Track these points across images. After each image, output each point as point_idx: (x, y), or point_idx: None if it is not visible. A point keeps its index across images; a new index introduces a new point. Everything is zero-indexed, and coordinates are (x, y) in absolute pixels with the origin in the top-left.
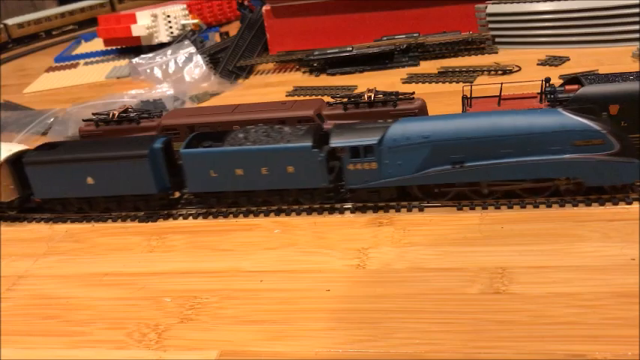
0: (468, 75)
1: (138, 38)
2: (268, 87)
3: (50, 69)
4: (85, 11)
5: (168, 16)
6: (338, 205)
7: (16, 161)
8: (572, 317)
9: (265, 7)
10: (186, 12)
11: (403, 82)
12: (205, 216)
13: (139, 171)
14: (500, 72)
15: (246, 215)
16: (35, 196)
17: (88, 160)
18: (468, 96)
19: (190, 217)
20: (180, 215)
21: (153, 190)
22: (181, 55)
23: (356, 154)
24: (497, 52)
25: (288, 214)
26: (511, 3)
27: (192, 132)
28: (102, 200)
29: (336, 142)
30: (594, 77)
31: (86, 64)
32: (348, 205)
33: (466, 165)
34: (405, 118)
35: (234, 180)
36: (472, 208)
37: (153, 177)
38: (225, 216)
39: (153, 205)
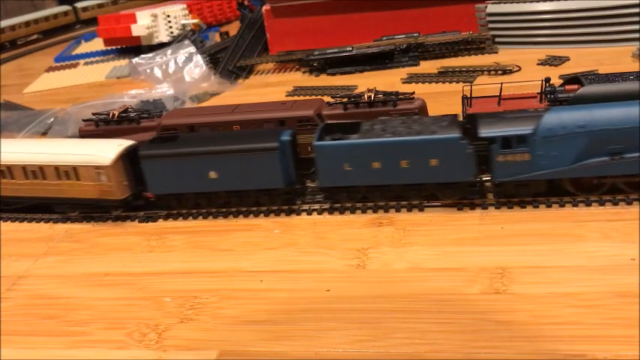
0: (468, 75)
1: (138, 38)
2: (268, 87)
3: (50, 69)
4: (50, 20)
5: (168, 16)
6: (338, 205)
7: (128, 156)
8: (572, 317)
9: (265, 7)
10: (186, 12)
11: (403, 82)
12: (205, 216)
13: (267, 164)
14: (500, 72)
15: (246, 215)
16: (150, 192)
17: (212, 154)
18: (468, 96)
19: (190, 217)
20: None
21: (280, 184)
22: (181, 55)
23: (507, 145)
24: (497, 52)
25: (288, 214)
26: (511, 3)
27: (192, 132)
28: (223, 195)
29: (486, 131)
30: (594, 77)
31: (86, 64)
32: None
33: (626, 156)
34: (558, 106)
35: (370, 174)
36: (472, 208)
37: (281, 171)
38: (225, 216)
39: (277, 200)
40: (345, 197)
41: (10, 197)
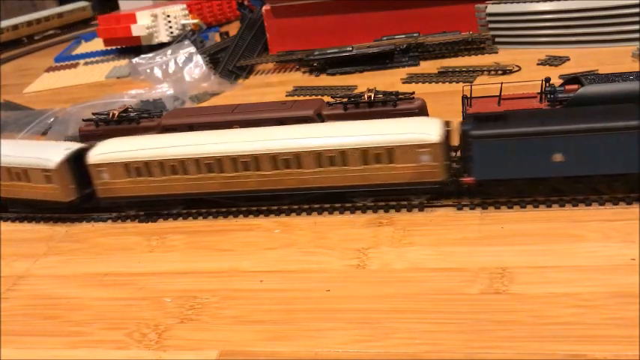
0: (468, 75)
1: (138, 38)
2: (268, 87)
3: (50, 69)
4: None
5: (168, 16)
6: (338, 205)
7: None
8: (572, 317)
9: (265, 7)
10: (186, 12)
11: (403, 82)
12: (205, 216)
13: (626, 145)
14: (500, 72)
15: (246, 215)
16: (473, 177)
17: (563, 134)
18: (468, 96)
19: (190, 217)
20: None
21: (636, 168)
22: (181, 55)
23: None
24: (497, 52)
25: (288, 214)
26: (511, 3)
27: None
28: (563, 181)
29: None
30: (594, 77)
31: (86, 64)
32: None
33: None
34: None
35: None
36: (472, 208)
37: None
38: (225, 216)
39: (633, 187)
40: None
41: None
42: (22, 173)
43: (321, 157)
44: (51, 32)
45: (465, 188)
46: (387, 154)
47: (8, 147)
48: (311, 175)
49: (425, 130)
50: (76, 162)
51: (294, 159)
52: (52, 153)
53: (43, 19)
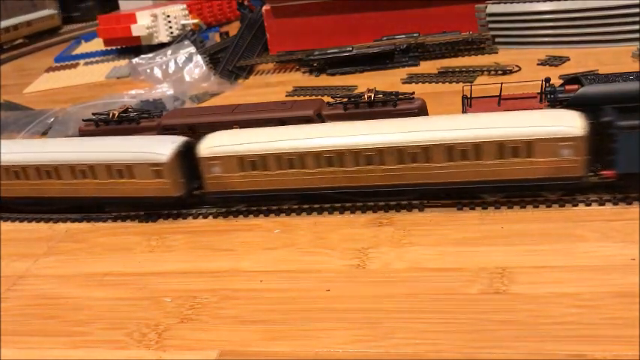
0: (468, 75)
1: (138, 38)
2: (268, 87)
3: (50, 69)
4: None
5: (168, 16)
6: (338, 205)
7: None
8: (572, 317)
9: (265, 7)
10: (186, 12)
11: (403, 82)
12: (205, 216)
13: None
14: (500, 72)
15: (246, 215)
16: (616, 170)
17: None
18: (468, 96)
19: (190, 217)
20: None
21: None
22: (181, 55)
23: None
24: (497, 52)
25: (288, 214)
26: (511, 3)
27: (192, 132)
28: None
29: None
30: (594, 77)
31: (86, 64)
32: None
33: None
34: None
35: None
36: (472, 208)
37: None
38: (225, 216)
39: None
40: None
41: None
42: (124, 170)
43: (453, 151)
44: (20, 41)
45: (601, 183)
46: (526, 147)
47: (109, 143)
48: (439, 170)
49: (567, 123)
50: (184, 155)
51: (421, 153)
52: (160, 147)
53: (12, 27)
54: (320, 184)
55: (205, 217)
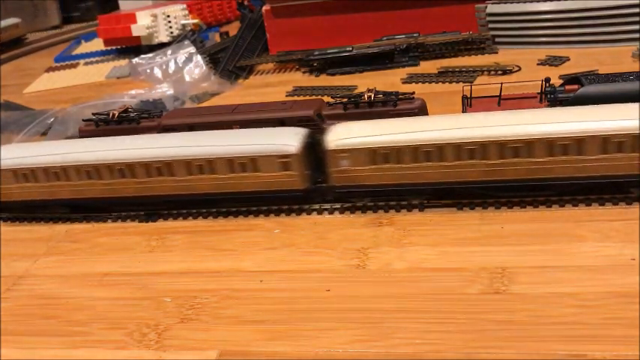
0: (468, 75)
1: (138, 38)
2: (268, 87)
3: (50, 69)
4: None
5: (168, 16)
6: (338, 205)
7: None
8: (572, 317)
9: (265, 7)
10: (186, 12)
11: (403, 82)
12: (205, 216)
13: None
14: (500, 72)
15: (246, 215)
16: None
17: None
18: (468, 96)
19: (190, 217)
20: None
21: None
22: (181, 55)
23: None
24: (497, 52)
25: (288, 214)
26: (511, 3)
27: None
28: None
29: None
30: (594, 77)
31: (86, 64)
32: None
33: None
34: None
35: None
36: (472, 208)
37: None
38: (225, 216)
39: None
40: None
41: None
42: (248, 163)
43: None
44: None
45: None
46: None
47: (228, 137)
48: (592, 163)
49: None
50: (309, 147)
51: (573, 144)
52: (286, 138)
53: None
54: (457, 178)
55: (205, 217)
